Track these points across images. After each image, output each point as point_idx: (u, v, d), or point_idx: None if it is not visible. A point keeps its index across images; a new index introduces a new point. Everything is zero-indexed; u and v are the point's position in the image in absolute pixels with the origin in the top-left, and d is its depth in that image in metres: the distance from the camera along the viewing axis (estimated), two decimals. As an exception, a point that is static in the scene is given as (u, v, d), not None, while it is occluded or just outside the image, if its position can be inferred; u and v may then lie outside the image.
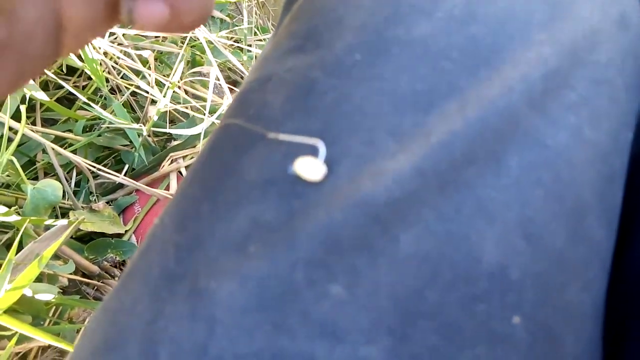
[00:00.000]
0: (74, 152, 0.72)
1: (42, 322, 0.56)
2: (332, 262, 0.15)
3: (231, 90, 0.86)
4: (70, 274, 0.63)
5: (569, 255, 0.17)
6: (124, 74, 0.78)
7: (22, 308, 0.51)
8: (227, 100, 0.75)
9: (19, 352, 0.54)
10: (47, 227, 0.61)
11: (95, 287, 0.68)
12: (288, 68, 0.20)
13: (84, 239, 0.70)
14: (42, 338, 0.42)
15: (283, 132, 0.19)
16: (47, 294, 0.50)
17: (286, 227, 0.16)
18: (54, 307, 0.58)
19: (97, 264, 0.69)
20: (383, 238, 0.15)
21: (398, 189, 0.16)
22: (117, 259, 0.70)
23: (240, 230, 0.17)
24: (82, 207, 0.71)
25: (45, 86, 0.77)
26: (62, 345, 0.47)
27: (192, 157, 0.78)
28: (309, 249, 0.15)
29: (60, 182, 0.67)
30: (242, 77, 0.95)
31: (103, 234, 0.71)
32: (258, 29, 1.01)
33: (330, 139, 0.17)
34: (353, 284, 0.15)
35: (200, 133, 0.74)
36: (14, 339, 0.45)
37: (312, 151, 0.17)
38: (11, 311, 0.48)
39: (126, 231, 0.74)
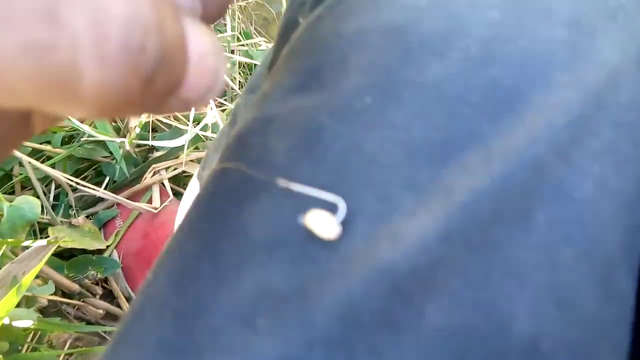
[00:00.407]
0: (53, 165, 0.69)
1: (20, 348, 0.54)
2: (352, 341, 0.14)
3: (215, 99, 0.84)
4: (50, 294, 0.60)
5: (600, 317, 0.16)
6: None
7: (-2, 336, 0.48)
8: (212, 110, 0.73)
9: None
10: (25, 246, 0.58)
11: (76, 307, 0.66)
12: (291, 110, 0.19)
13: (63, 255, 0.68)
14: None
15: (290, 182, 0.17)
16: (26, 321, 0.48)
17: (299, 298, 0.15)
18: (33, 331, 0.55)
19: (78, 281, 0.66)
20: (407, 311, 0.14)
21: (422, 256, 0.14)
22: (99, 276, 0.68)
23: (247, 297, 0.15)
24: (61, 221, 0.68)
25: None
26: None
27: (175, 169, 0.76)
28: (327, 326, 0.14)
29: (38, 197, 0.65)
30: (226, 86, 0.93)
31: (83, 250, 0.68)
32: (241, 34, 0.99)
33: (342, 193, 0.16)
34: None
35: (183, 145, 0.72)
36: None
37: (325, 206, 0.16)
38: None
39: (107, 246, 0.71)
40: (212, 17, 0.17)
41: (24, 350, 0.53)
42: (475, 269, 0.15)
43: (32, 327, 0.50)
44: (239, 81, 0.96)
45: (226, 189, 0.18)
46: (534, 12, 0.18)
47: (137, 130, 0.71)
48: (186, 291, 0.17)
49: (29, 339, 0.54)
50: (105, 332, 0.67)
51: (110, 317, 0.70)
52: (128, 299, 0.71)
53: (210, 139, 0.74)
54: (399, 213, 0.15)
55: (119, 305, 0.70)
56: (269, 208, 0.17)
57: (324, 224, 0.15)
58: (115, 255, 0.71)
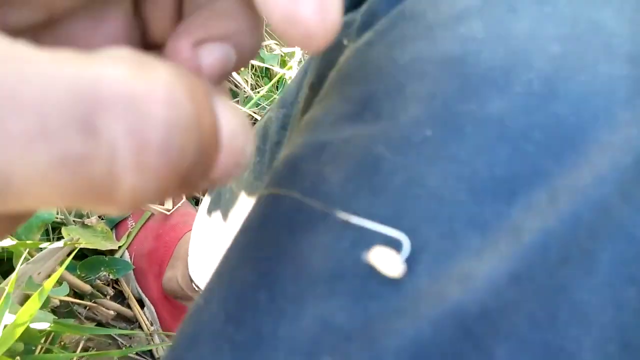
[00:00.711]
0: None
1: (33, 348, 0.54)
2: None
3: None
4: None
5: None
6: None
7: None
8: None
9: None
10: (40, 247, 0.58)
11: (87, 307, 0.66)
12: (345, 138, 0.19)
13: (75, 255, 0.68)
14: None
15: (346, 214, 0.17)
16: (43, 323, 0.48)
17: (364, 336, 0.15)
18: (47, 332, 0.55)
19: (89, 282, 0.66)
20: (477, 354, 0.14)
21: (492, 299, 0.14)
22: (111, 277, 0.68)
23: (309, 332, 0.15)
24: (74, 221, 0.68)
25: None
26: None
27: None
28: None
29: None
30: (232, 84, 0.93)
31: (95, 251, 0.68)
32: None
33: (403, 228, 0.16)
34: None
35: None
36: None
37: (387, 241, 0.16)
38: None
39: (119, 247, 0.71)
40: (245, 61, 0.17)
41: (37, 351, 0.53)
42: (543, 312, 0.14)
43: (48, 329, 0.50)
44: (250, 83, 0.96)
45: (280, 216, 0.18)
46: (594, 46, 0.18)
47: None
48: (244, 322, 0.16)
49: (42, 340, 0.54)
50: (116, 334, 0.67)
51: (120, 318, 0.70)
52: (138, 300, 0.71)
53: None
54: (465, 251, 0.15)
55: (129, 306, 0.71)
56: (327, 239, 0.17)
57: (388, 262, 0.15)
58: (126, 256, 0.71)
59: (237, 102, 0.88)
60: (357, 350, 0.14)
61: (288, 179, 0.19)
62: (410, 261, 0.15)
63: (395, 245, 0.16)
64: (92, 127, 0.09)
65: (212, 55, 0.16)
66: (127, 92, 0.09)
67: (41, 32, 0.15)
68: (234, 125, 0.12)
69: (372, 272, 0.16)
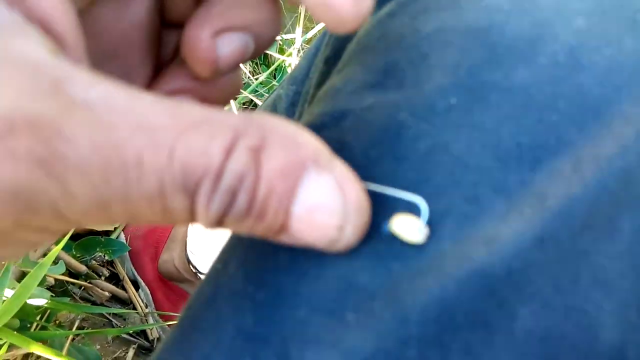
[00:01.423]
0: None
1: (29, 325, 0.54)
2: (446, 340, 0.14)
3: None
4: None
5: None
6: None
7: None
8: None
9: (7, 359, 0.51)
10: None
11: (82, 287, 0.65)
12: (367, 106, 0.19)
13: (71, 236, 0.67)
14: (40, 352, 0.40)
15: (369, 180, 0.17)
16: (40, 299, 0.47)
17: (389, 296, 0.15)
18: (43, 310, 0.55)
19: (85, 262, 0.66)
20: (499, 314, 0.14)
21: (517, 260, 0.14)
22: (106, 258, 0.67)
23: (332, 291, 0.15)
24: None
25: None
26: (54, 356, 0.44)
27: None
28: (422, 324, 0.14)
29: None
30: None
31: (90, 231, 0.68)
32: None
33: (427, 193, 0.16)
34: None
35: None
36: (5, 347, 0.43)
37: (410, 207, 0.16)
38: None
39: (115, 229, 0.71)
40: (262, 49, 0.18)
41: (33, 329, 0.53)
42: (565, 275, 0.15)
43: (45, 305, 0.50)
44: (249, 70, 0.96)
45: None
46: (619, 21, 0.18)
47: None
48: (264, 281, 0.16)
49: (37, 318, 0.54)
50: (110, 314, 0.67)
51: (115, 299, 0.70)
52: (133, 282, 0.71)
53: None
54: (489, 215, 0.15)
55: (123, 288, 0.70)
56: None
57: (410, 229, 0.15)
58: (122, 237, 0.71)
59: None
60: (381, 308, 0.15)
61: None
62: (434, 225, 0.16)
63: (418, 210, 0.16)
64: (192, 194, 0.12)
65: (231, 45, 0.18)
66: (215, 170, 0.12)
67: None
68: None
69: (398, 238, 0.16)
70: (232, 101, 0.73)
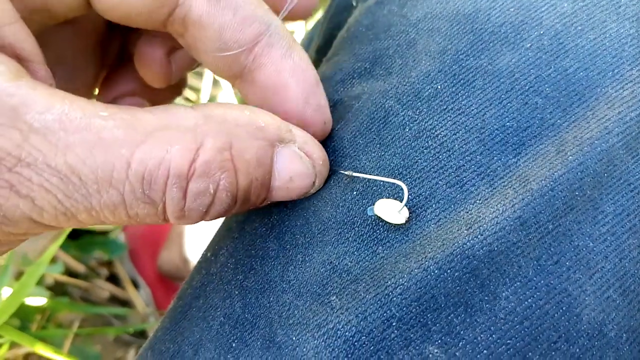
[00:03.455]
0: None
1: (29, 325, 0.54)
2: (428, 320, 0.14)
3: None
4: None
5: None
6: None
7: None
8: (223, 91, 0.73)
9: (7, 358, 0.51)
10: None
11: (82, 288, 0.65)
12: (355, 95, 0.19)
13: (70, 236, 0.67)
14: (42, 350, 0.40)
15: (356, 168, 0.17)
16: (39, 298, 0.48)
17: (373, 278, 0.15)
18: (42, 310, 0.55)
19: (83, 261, 0.66)
20: (481, 294, 0.14)
21: (498, 242, 0.14)
22: (105, 257, 0.68)
23: (317, 276, 0.15)
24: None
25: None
26: (53, 354, 0.44)
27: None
28: (404, 305, 0.14)
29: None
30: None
31: (87, 231, 0.68)
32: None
33: (413, 178, 0.16)
34: (450, 344, 0.14)
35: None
36: (6, 346, 0.43)
37: (393, 190, 0.16)
38: None
39: (113, 228, 0.71)
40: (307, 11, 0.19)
41: (33, 328, 0.53)
42: (547, 256, 0.15)
43: (44, 305, 0.50)
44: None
45: None
46: (603, 5, 0.18)
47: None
48: (253, 269, 0.17)
49: (37, 318, 0.54)
50: (110, 315, 0.67)
51: (114, 300, 0.70)
52: (133, 282, 0.71)
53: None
54: (473, 199, 0.15)
55: (123, 288, 0.70)
56: (335, 192, 0.17)
57: (392, 211, 0.15)
58: (121, 237, 0.71)
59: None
60: (364, 290, 0.15)
61: None
62: (417, 208, 0.16)
63: (402, 194, 0.16)
64: (153, 200, 0.13)
65: (184, 59, 0.20)
66: (176, 172, 0.13)
67: None
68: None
69: (380, 218, 0.16)
70: (232, 93, 0.73)
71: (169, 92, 0.22)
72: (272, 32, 0.16)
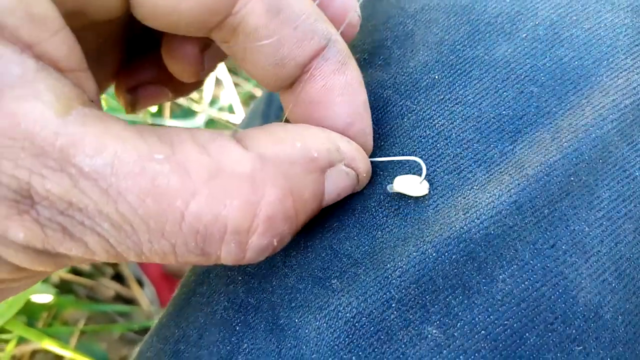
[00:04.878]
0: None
1: (35, 322, 0.54)
2: (426, 301, 0.14)
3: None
4: (63, 271, 0.61)
5: None
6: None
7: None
8: (225, 90, 0.73)
9: (14, 355, 0.52)
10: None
11: (87, 287, 0.66)
12: None
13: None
14: (47, 345, 0.41)
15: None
16: (45, 296, 0.48)
17: (372, 262, 0.15)
18: (48, 307, 0.56)
19: (89, 260, 0.66)
20: (479, 276, 0.15)
21: (494, 225, 0.15)
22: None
23: (318, 260, 0.16)
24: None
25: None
26: (61, 349, 0.45)
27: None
28: (403, 287, 0.14)
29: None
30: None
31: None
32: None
33: (411, 167, 0.17)
34: (449, 325, 0.14)
35: (199, 126, 0.72)
36: (13, 342, 0.43)
37: (392, 179, 0.17)
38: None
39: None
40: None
41: (39, 326, 0.54)
42: (543, 239, 0.15)
43: (50, 303, 0.50)
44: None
45: None
46: None
47: (153, 109, 0.71)
48: None
49: (44, 315, 0.55)
50: (116, 313, 0.67)
51: (120, 299, 0.70)
52: (138, 280, 0.71)
53: (226, 121, 0.75)
54: (470, 185, 0.16)
55: (128, 286, 0.71)
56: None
57: (412, 185, 0.16)
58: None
59: (242, 78, 0.88)
60: (364, 273, 0.15)
61: None
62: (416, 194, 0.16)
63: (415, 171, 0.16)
64: (207, 253, 0.13)
65: (217, 55, 0.19)
66: (234, 229, 0.13)
67: None
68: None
69: (379, 205, 0.16)
70: (234, 94, 0.73)
71: (191, 83, 0.21)
72: (331, 47, 0.15)
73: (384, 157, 0.17)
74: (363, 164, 0.16)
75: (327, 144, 0.14)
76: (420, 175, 0.16)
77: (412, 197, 0.16)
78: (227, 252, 0.13)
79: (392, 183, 0.16)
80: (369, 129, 0.16)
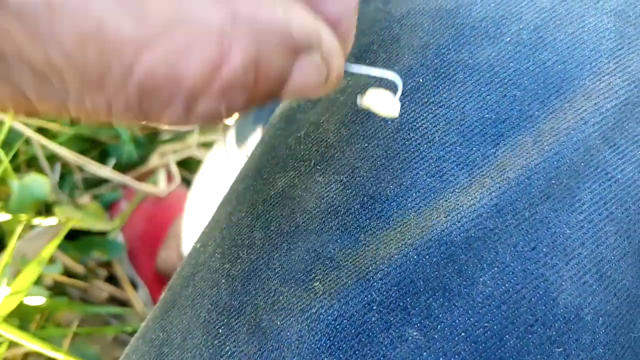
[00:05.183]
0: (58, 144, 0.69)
1: (28, 325, 0.54)
2: (407, 304, 0.15)
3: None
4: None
5: (635, 292, 0.16)
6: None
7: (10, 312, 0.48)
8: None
9: (5, 358, 0.51)
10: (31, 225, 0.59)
11: (81, 289, 0.66)
12: (340, 88, 0.19)
13: (68, 238, 0.68)
14: (39, 347, 0.40)
15: (340, 158, 0.18)
16: (38, 297, 0.48)
17: (354, 264, 0.15)
18: (41, 310, 0.55)
19: (82, 262, 0.66)
20: (459, 278, 0.15)
21: (475, 228, 0.15)
22: (104, 258, 0.68)
23: (301, 263, 0.16)
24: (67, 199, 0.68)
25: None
26: (53, 352, 0.45)
27: (183, 152, 0.76)
28: (384, 289, 0.15)
29: (45, 175, 0.65)
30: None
31: (87, 232, 0.68)
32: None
33: (395, 169, 0.17)
34: (429, 327, 0.14)
35: (192, 129, 0.72)
36: (5, 346, 0.43)
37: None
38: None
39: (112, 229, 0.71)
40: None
41: (32, 328, 0.54)
42: (524, 242, 0.15)
43: (43, 305, 0.50)
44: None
45: (274, 164, 0.19)
46: (582, 0, 0.18)
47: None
48: (239, 258, 0.17)
49: (37, 317, 0.55)
50: (109, 316, 0.67)
51: (113, 301, 0.70)
52: (132, 282, 0.71)
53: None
54: (452, 188, 0.16)
55: (122, 288, 0.71)
56: (321, 182, 0.17)
57: (384, 102, 0.15)
58: (120, 238, 0.71)
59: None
60: (346, 276, 0.15)
61: (285, 128, 0.20)
62: (398, 197, 0.16)
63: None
64: (145, 112, 0.11)
65: None
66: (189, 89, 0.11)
67: None
68: None
69: (361, 208, 0.16)
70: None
71: None
72: None
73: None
74: (338, 63, 0.14)
75: (312, 26, 0.13)
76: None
77: (381, 116, 0.14)
78: (171, 113, 0.11)
79: (362, 94, 0.15)
80: (352, 34, 0.15)
